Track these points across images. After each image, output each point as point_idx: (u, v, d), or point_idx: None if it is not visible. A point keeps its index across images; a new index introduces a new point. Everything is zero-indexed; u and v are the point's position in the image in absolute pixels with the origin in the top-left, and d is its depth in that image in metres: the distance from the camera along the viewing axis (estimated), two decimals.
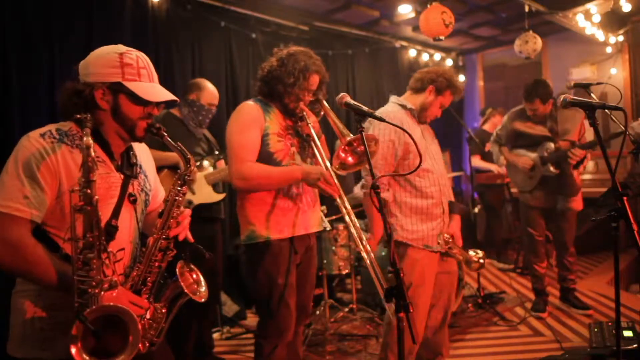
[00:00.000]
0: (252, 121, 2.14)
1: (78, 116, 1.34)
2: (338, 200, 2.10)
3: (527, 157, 3.74)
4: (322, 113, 2.29)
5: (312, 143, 2.20)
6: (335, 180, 2.06)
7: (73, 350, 1.18)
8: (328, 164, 2.10)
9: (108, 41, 1.55)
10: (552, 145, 3.62)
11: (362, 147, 1.99)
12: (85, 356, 1.19)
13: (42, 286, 1.36)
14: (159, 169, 2.55)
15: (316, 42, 5.11)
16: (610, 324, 2.90)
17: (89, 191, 1.26)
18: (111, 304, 1.27)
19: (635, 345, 2.66)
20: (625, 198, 1.74)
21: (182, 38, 4.03)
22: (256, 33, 4.45)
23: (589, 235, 4.95)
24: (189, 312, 2.91)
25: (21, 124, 3.04)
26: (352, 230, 2.02)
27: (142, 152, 1.68)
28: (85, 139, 1.26)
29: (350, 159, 2.03)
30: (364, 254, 1.97)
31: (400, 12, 4.79)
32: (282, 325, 2.14)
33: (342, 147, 1.98)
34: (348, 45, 5.50)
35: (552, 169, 3.61)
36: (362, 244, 1.97)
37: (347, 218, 2.05)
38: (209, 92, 3.04)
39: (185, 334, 2.93)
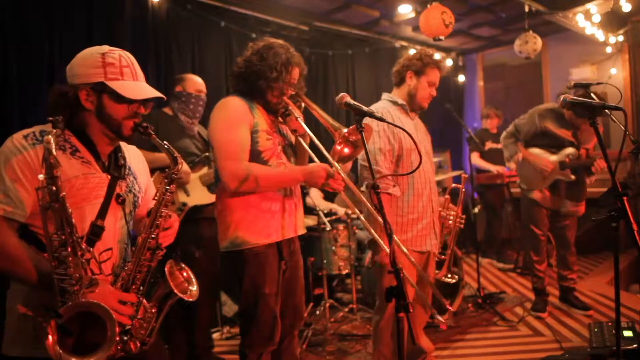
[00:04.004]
0: (240, 117, 2.00)
1: (50, 118, 1.33)
2: (343, 194, 2.01)
3: (547, 159, 3.62)
4: (302, 106, 2.16)
5: (303, 138, 2.10)
6: (342, 174, 1.95)
7: (48, 341, 1.18)
8: (329, 156, 1.96)
9: (108, 42, 1.55)
10: (575, 151, 3.56)
11: (354, 136, 1.96)
12: (57, 348, 1.18)
13: (26, 285, 1.36)
14: (150, 172, 2.52)
15: (316, 42, 5.11)
16: (610, 324, 2.90)
17: (54, 188, 1.24)
18: (86, 300, 1.25)
19: (635, 345, 2.66)
20: (625, 198, 1.74)
21: (182, 38, 4.02)
22: (256, 33, 4.44)
23: (589, 235, 4.93)
24: (186, 312, 2.91)
25: (20, 124, 3.04)
26: (373, 233, 2.01)
27: (133, 155, 1.67)
28: (46, 136, 1.25)
29: (346, 150, 1.99)
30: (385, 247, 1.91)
31: (400, 12, 4.78)
32: (268, 334, 2.04)
33: (338, 140, 1.94)
34: (348, 45, 5.49)
35: (571, 175, 3.55)
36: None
37: (362, 217, 2.04)
38: (193, 80, 3.04)
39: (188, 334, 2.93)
